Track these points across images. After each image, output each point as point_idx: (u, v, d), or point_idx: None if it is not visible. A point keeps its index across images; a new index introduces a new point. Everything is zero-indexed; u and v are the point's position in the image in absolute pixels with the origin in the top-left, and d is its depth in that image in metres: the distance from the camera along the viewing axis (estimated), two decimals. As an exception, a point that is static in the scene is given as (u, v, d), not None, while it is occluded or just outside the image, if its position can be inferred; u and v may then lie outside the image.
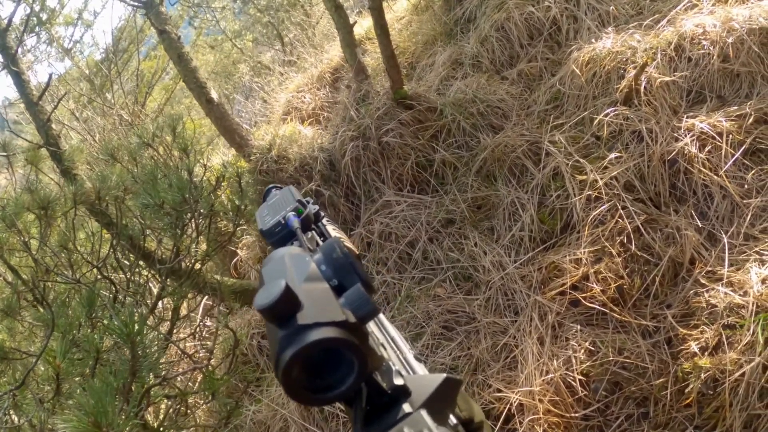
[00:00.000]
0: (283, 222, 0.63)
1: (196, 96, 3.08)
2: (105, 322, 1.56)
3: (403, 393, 0.39)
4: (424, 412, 0.36)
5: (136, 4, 3.23)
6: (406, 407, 0.38)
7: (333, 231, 0.67)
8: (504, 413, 1.87)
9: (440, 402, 0.40)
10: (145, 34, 7.75)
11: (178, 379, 1.74)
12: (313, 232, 0.67)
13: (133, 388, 1.17)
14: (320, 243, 0.64)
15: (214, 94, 3.00)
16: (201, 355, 2.46)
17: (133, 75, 6.93)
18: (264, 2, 6.87)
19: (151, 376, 1.32)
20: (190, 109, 7.99)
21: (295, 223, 0.62)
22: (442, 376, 0.41)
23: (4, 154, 3.09)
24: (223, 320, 1.54)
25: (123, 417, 1.07)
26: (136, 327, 1.10)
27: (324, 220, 0.70)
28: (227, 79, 7.31)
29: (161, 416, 1.52)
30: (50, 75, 3.34)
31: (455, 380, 0.42)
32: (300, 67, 4.69)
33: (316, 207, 0.68)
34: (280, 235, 0.63)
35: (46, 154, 2.98)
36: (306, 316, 0.35)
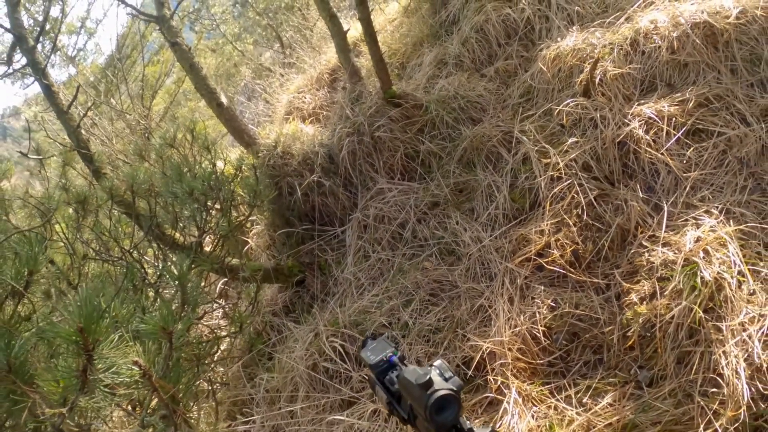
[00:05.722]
0: (385, 359, 1.07)
1: (207, 101, 3.44)
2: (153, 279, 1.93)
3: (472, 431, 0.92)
4: None
5: (149, 18, 3.58)
6: None
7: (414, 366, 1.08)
8: (478, 359, 2.22)
9: None
10: (147, 39, 8.10)
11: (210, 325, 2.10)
12: (404, 365, 1.09)
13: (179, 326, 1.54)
14: None
15: (224, 99, 3.35)
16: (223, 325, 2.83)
17: (138, 80, 7.29)
18: (262, 5, 7.20)
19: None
20: (194, 111, 8.38)
21: (396, 360, 1.08)
22: (489, 428, 1.00)
23: (39, 157, 3.47)
24: (248, 271, 1.89)
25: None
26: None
27: (406, 361, 1.12)
28: (229, 81, 7.67)
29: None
30: (78, 86, 3.70)
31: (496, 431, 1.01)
32: (299, 69, 5.03)
33: (401, 353, 1.11)
34: (383, 368, 1.07)
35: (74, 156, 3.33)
36: (438, 387, 0.90)
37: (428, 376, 0.90)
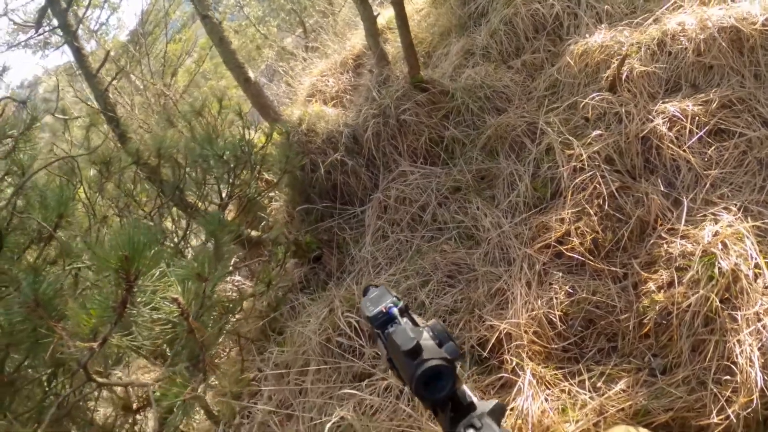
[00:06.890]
0: (384, 311, 0.88)
1: (235, 75, 3.48)
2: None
3: (472, 406, 0.73)
4: (488, 419, 0.70)
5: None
6: (474, 415, 0.72)
7: (419, 320, 0.89)
8: (494, 341, 2.26)
9: (494, 416, 0.73)
10: (170, 17, 8.16)
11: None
12: (406, 318, 0.89)
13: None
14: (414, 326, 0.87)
15: (251, 74, 3.40)
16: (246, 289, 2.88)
17: (159, 57, 7.35)
18: (287, -11, 7.24)
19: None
20: (214, 89, 8.43)
21: (396, 311, 0.88)
22: (494, 401, 0.74)
23: (66, 117, 3.52)
24: (277, 232, 1.94)
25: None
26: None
27: (410, 312, 0.93)
28: (250, 63, 7.72)
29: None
30: (107, 51, 3.75)
31: (503, 405, 0.74)
32: (323, 53, 5.07)
33: (404, 302, 0.92)
34: (382, 320, 0.87)
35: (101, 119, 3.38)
36: (428, 356, 0.72)
37: (416, 341, 0.73)
